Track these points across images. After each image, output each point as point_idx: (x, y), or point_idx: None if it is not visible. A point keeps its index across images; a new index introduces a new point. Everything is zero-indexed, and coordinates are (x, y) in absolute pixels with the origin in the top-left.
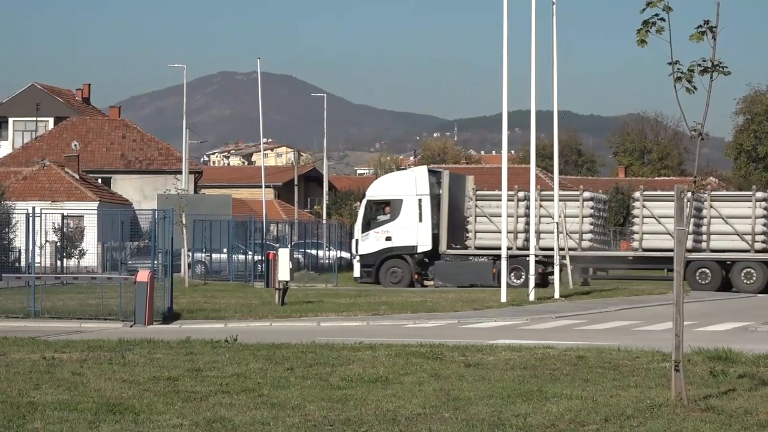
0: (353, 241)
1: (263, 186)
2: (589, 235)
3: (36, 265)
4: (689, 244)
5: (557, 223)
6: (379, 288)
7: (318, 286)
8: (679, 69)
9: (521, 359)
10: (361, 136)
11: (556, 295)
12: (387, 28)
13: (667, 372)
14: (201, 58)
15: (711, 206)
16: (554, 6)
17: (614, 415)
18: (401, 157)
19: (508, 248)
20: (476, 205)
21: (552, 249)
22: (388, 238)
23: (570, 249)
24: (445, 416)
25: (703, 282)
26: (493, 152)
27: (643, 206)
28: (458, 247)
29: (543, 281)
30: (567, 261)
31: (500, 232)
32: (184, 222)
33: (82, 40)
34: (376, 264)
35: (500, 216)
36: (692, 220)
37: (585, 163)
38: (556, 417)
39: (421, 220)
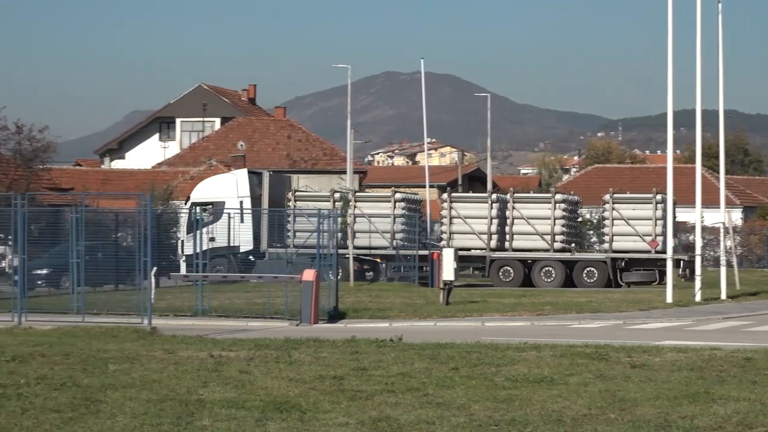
0: (179, 243)
1: (427, 186)
2: (401, 235)
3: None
4: (493, 243)
5: (728, 228)
6: (542, 288)
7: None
8: None
9: (688, 360)
10: (525, 135)
11: (723, 295)
12: (551, 28)
13: None
14: (365, 58)
15: (514, 207)
16: (720, 4)
17: None
18: (565, 156)
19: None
20: (295, 206)
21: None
22: (212, 239)
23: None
24: (611, 417)
25: (506, 279)
26: (659, 152)
27: (451, 208)
28: (279, 245)
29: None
30: (734, 263)
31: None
32: (349, 222)
33: (248, 41)
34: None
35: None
36: (496, 220)
37: (752, 162)
38: (724, 419)
39: (242, 220)
